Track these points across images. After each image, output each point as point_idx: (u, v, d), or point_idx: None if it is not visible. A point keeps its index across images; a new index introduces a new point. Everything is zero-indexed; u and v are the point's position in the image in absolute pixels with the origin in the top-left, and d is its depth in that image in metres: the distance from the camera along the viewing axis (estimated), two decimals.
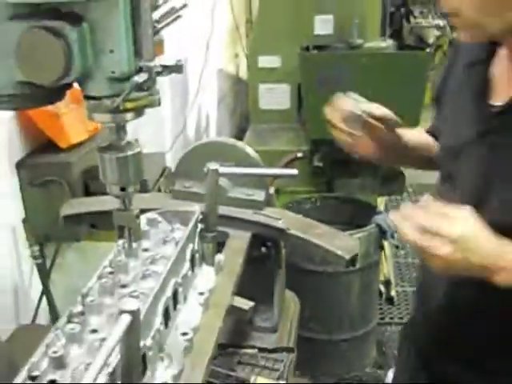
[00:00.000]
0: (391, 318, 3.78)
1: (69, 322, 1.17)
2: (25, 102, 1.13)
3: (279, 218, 1.77)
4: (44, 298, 2.54)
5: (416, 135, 1.88)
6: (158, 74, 1.14)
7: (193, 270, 1.43)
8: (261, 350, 1.76)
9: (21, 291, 2.52)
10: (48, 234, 2.53)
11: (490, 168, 1.39)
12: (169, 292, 1.26)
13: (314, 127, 3.35)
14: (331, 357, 3.28)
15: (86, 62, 1.08)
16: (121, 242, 1.35)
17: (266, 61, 3.77)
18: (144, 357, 1.09)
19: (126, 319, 0.92)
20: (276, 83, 3.84)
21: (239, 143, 1.87)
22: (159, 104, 1.16)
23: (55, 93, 1.15)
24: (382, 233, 3.18)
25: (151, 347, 1.12)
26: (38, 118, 2.43)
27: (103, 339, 1.10)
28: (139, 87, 1.11)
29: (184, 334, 1.25)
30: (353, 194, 3.51)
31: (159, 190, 2.70)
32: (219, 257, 1.54)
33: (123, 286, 1.28)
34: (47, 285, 2.53)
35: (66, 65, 1.05)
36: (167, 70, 1.15)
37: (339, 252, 1.66)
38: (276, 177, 1.99)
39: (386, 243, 3.33)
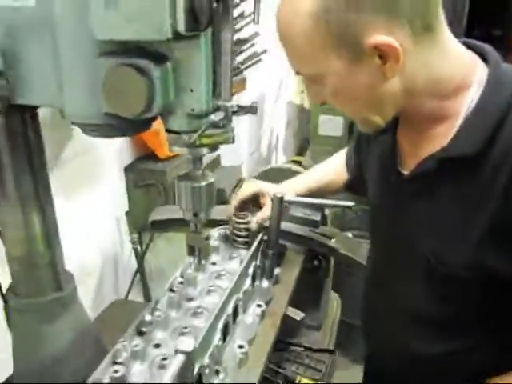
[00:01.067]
0: None
1: (138, 333, 0.94)
2: (111, 131, 0.90)
3: (332, 236, 1.51)
4: (138, 276, 2.36)
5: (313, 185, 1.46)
6: (234, 113, 0.90)
7: (253, 285, 1.18)
8: (306, 348, 1.50)
9: (120, 270, 2.36)
10: (145, 224, 2.35)
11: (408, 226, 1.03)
12: (230, 309, 1.02)
13: None
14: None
15: (167, 99, 0.84)
16: (191, 258, 1.12)
17: None
18: (200, 376, 0.85)
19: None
20: (333, 115, 3.57)
21: (295, 167, 1.61)
22: (233, 141, 0.91)
23: (140, 124, 0.92)
24: None
25: (208, 365, 0.87)
26: (143, 132, 2.26)
27: (164, 356, 0.87)
28: (215, 125, 0.87)
29: (240, 346, 1.01)
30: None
31: None
32: (277, 270, 1.29)
33: (190, 300, 1.04)
34: (142, 265, 2.35)
35: (149, 100, 0.82)
36: (242, 110, 0.90)
37: None
38: (333, 207, 1.71)
39: None
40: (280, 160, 4.97)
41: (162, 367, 0.83)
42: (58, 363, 1.06)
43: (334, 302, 1.86)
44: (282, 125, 5.05)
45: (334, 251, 1.47)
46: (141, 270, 2.31)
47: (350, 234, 1.67)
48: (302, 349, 1.50)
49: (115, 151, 2.28)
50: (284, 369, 1.39)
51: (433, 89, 0.91)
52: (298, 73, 0.98)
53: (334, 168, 1.51)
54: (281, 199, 1.17)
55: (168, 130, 0.90)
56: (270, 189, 1.36)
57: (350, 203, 1.20)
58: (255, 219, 1.26)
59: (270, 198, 1.32)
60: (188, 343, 0.69)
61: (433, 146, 0.94)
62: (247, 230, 1.24)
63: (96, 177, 2.18)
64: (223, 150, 0.88)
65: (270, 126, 4.39)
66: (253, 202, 1.34)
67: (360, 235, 2.62)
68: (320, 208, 1.55)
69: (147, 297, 2.36)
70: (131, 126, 0.90)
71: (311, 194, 1.44)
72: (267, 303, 1.19)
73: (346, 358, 2.80)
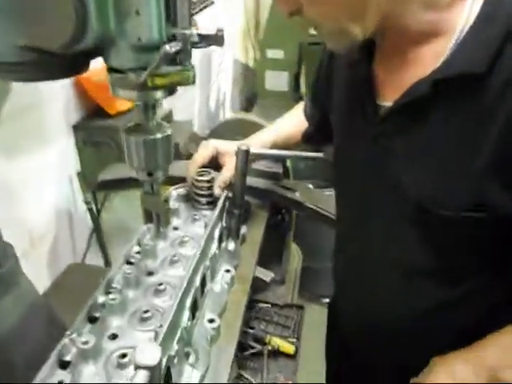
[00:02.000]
0: None
1: (90, 321, 0.68)
2: (34, 73, 0.61)
3: (294, 189, 1.29)
4: (94, 236, 2.07)
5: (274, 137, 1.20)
6: (194, 45, 0.63)
7: (219, 248, 0.95)
8: (273, 305, 1.30)
9: (76, 231, 2.06)
10: (98, 183, 2.05)
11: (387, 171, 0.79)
12: (197, 281, 0.78)
13: None
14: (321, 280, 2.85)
15: (105, 24, 0.56)
16: (147, 226, 0.87)
17: (273, 53, 3.22)
18: (168, 369, 0.61)
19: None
20: (279, 70, 3.29)
21: (260, 120, 1.36)
22: (194, 81, 0.64)
23: (73, 62, 0.64)
24: None
25: (176, 354, 0.64)
26: (89, 88, 1.94)
27: (123, 352, 0.63)
28: (171, 60, 0.60)
29: (211, 320, 0.78)
30: None
31: (189, 155, 2.20)
32: (243, 229, 1.06)
33: (150, 274, 0.79)
34: (98, 225, 2.06)
35: (79, 25, 0.54)
36: (206, 40, 0.62)
37: None
38: (303, 159, 1.48)
39: None
40: (227, 116, 4.67)
41: (121, 367, 0.59)
42: (5, 349, 0.81)
43: (294, 253, 1.66)
44: (229, 81, 4.71)
45: (299, 205, 1.25)
46: (97, 230, 2.02)
47: (310, 185, 1.45)
48: (269, 305, 1.30)
49: (61, 109, 1.93)
50: (252, 328, 1.19)
51: None
52: None
53: (293, 121, 1.26)
54: (246, 152, 0.93)
55: (110, 69, 0.63)
56: (228, 147, 1.11)
57: (320, 154, 0.97)
58: (217, 183, 1.01)
59: (228, 157, 1.07)
60: (152, 354, 0.46)
61: (421, 70, 0.70)
62: (210, 188, 0.99)
63: (43, 136, 1.84)
64: (176, 103, 0.65)
65: (217, 83, 4.06)
66: (211, 164, 1.08)
67: (320, 185, 2.43)
68: (281, 160, 1.32)
69: (106, 258, 2.09)
70: (60, 65, 0.62)
71: (276, 148, 1.20)
72: (235, 267, 0.97)
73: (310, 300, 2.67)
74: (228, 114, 4.71)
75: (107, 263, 2.08)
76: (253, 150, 0.94)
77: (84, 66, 0.66)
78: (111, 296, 0.68)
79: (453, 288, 0.79)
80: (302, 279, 1.73)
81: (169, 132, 0.70)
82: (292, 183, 1.34)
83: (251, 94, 4.94)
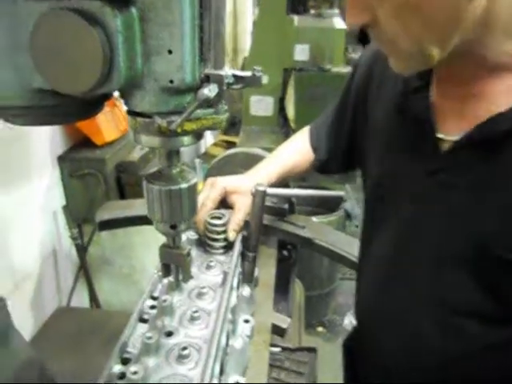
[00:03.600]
0: (343, 274, 3.28)
1: None
2: (44, 117, 0.53)
3: (303, 225, 1.22)
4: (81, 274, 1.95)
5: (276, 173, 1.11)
6: (229, 86, 0.56)
7: (237, 296, 0.87)
8: (284, 349, 1.22)
9: (62, 268, 1.94)
10: (85, 217, 1.95)
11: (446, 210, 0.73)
12: (223, 341, 0.70)
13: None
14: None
15: (133, 65, 0.49)
16: (159, 273, 0.79)
17: None
18: None
19: None
20: (263, 95, 3.25)
21: (264, 153, 1.30)
22: (226, 125, 0.58)
23: (90, 105, 0.56)
24: (348, 216, 2.66)
25: None
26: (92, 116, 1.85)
27: None
28: (204, 103, 0.53)
29: None
30: (321, 184, 2.95)
31: None
32: (256, 272, 0.98)
33: (169, 335, 0.70)
34: (84, 261, 1.95)
35: (106, 67, 0.47)
36: (242, 81, 0.56)
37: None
38: (323, 199, 1.41)
39: (347, 223, 2.80)
40: (209, 140, 4.60)
41: None
42: None
43: (296, 288, 1.59)
44: None
45: (308, 241, 1.18)
46: (84, 267, 1.91)
47: (314, 219, 1.38)
48: (280, 349, 1.21)
49: (46, 139, 1.83)
50: None
51: None
52: None
53: (297, 149, 1.20)
54: (264, 193, 0.86)
55: (131, 112, 0.56)
56: (237, 185, 1.03)
57: (341, 193, 0.91)
58: (231, 227, 0.92)
59: (238, 195, 1.00)
60: None
61: (492, 104, 0.65)
62: (224, 232, 0.91)
63: (26, 168, 1.74)
64: None
65: None
66: (220, 204, 1.00)
67: (316, 212, 2.38)
68: (289, 196, 1.26)
69: (93, 298, 1.96)
70: (76, 108, 0.54)
71: (281, 180, 1.14)
72: (252, 314, 0.89)
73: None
74: (209, 138, 4.65)
75: (95, 303, 1.97)
76: (270, 191, 0.88)
77: (100, 107, 0.59)
78: (133, 368, 0.59)
79: (502, 329, 0.73)
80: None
81: (194, 180, 0.62)
82: (299, 218, 1.28)
83: (233, 118, 4.91)
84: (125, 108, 0.57)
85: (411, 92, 0.78)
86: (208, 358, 0.62)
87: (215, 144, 4.44)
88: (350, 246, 1.21)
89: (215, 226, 0.90)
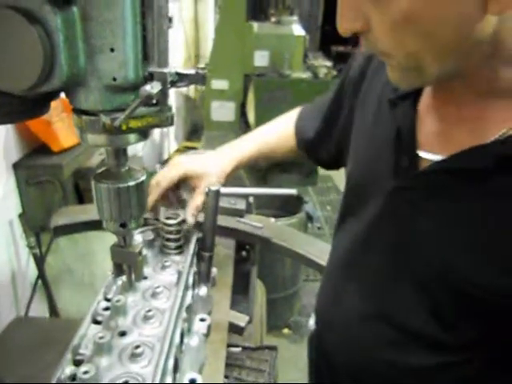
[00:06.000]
0: (307, 276, 3.32)
1: None
2: None
3: (261, 225, 1.24)
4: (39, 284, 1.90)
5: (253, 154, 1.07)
6: (173, 84, 0.57)
7: (192, 296, 0.87)
8: (244, 348, 1.22)
9: (19, 279, 1.88)
10: (43, 225, 1.90)
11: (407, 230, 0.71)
12: (177, 338, 0.70)
13: None
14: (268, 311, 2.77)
15: (75, 63, 0.49)
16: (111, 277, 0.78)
17: (218, 84, 3.20)
18: None
19: None
20: (225, 101, 3.27)
21: None
22: (172, 123, 0.59)
23: (34, 104, 0.56)
24: (309, 218, 2.70)
25: None
26: (32, 123, 1.82)
27: None
28: (147, 101, 0.54)
29: (192, 381, 0.70)
30: (282, 186, 2.98)
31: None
32: (214, 272, 0.98)
33: (123, 334, 0.70)
34: (43, 270, 1.89)
35: (47, 65, 0.47)
36: (185, 79, 0.57)
37: (319, 261, 1.15)
38: (274, 196, 1.43)
39: (309, 225, 2.84)
40: (172, 146, 4.58)
41: None
42: None
43: (258, 289, 1.60)
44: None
45: (267, 242, 1.20)
46: (42, 276, 1.86)
47: (272, 219, 1.40)
48: (240, 349, 1.22)
49: (0, 145, 1.78)
50: (226, 377, 1.10)
51: None
52: None
53: (279, 129, 1.13)
54: (217, 192, 0.87)
55: (76, 111, 0.56)
56: (200, 168, 0.98)
57: (293, 191, 0.93)
58: (189, 211, 0.92)
59: (201, 180, 0.97)
60: None
61: (483, 131, 0.61)
62: (179, 231, 0.91)
63: None
64: None
65: None
66: (181, 187, 0.98)
67: (276, 215, 2.40)
68: (245, 196, 1.27)
69: (52, 308, 1.91)
70: (19, 108, 0.54)
71: (260, 161, 1.11)
72: (209, 313, 0.89)
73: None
74: (172, 144, 4.63)
75: (54, 313, 1.92)
76: (224, 190, 0.89)
77: (45, 107, 0.59)
78: (83, 368, 0.59)
79: (451, 356, 0.72)
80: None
81: (142, 178, 0.63)
82: (256, 218, 1.30)
83: (197, 123, 4.91)
84: None
85: (399, 98, 0.73)
86: (160, 355, 0.63)
87: (178, 150, 4.43)
88: (309, 245, 1.23)
89: (170, 226, 0.91)
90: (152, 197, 0.95)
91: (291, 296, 2.83)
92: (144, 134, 0.59)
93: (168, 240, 0.91)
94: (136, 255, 0.67)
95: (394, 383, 0.78)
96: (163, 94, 0.55)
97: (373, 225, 0.78)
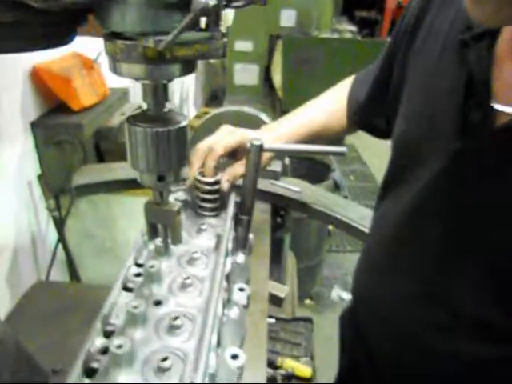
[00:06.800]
0: (330, 246, 3.24)
1: (87, 375, 0.51)
2: (6, 40, 0.43)
3: (299, 189, 1.14)
4: (59, 247, 1.84)
5: (300, 132, 0.96)
6: (228, 3, 0.47)
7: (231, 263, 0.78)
8: (278, 319, 1.15)
9: (39, 243, 1.82)
10: (63, 187, 1.83)
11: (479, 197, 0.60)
12: (219, 310, 0.62)
13: (287, 100, 2.70)
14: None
15: None
16: (144, 236, 0.70)
17: (241, 45, 3.05)
18: None
19: None
20: (248, 63, 3.13)
21: (256, 112, 1.21)
22: (224, 54, 0.48)
23: (57, 30, 0.46)
24: (336, 187, 2.59)
25: None
26: (50, 80, 1.71)
27: None
28: (195, 24, 0.43)
29: (233, 357, 0.62)
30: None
31: None
32: (251, 238, 0.89)
33: (158, 303, 0.62)
34: (63, 234, 1.83)
35: None
36: None
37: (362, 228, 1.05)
38: (324, 154, 1.33)
39: (336, 194, 2.73)
40: (191, 112, 4.48)
41: None
42: None
43: (288, 259, 1.52)
44: (191, 77, 4.52)
45: (305, 207, 1.10)
46: (63, 240, 1.80)
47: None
48: (274, 320, 1.15)
49: (17, 104, 1.69)
50: None
51: None
52: None
53: (329, 106, 1.01)
54: (259, 148, 0.77)
55: (107, 35, 0.46)
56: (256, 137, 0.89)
57: (344, 148, 0.83)
58: (225, 177, 0.84)
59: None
60: None
61: None
62: (216, 191, 0.82)
63: None
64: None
65: (180, 78, 3.88)
66: (228, 156, 0.88)
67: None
68: (281, 157, 1.17)
69: (73, 272, 1.86)
70: (39, 30, 0.44)
71: (304, 142, 0.97)
72: (247, 282, 0.81)
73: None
74: (192, 110, 4.52)
75: (76, 278, 1.87)
76: (267, 146, 0.78)
77: (70, 34, 0.49)
78: (117, 341, 0.51)
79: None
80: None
81: (184, 123, 0.53)
82: (293, 182, 1.20)
83: (216, 89, 4.77)
84: (105, 68, 0.47)
85: (472, 39, 0.61)
86: (204, 328, 0.54)
87: (197, 116, 4.32)
88: (350, 210, 1.13)
89: (206, 184, 0.81)
90: (209, 163, 0.84)
91: (314, 267, 2.76)
92: (190, 66, 0.49)
93: (204, 200, 0.82)
94: (174, 214, 0.58)
95: (440, 375, 0.68)
96: (216, 17, 0.45)
97: (430, 192, 0.66)
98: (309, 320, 1.15)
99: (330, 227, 3.23)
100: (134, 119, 0.51)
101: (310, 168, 2.75)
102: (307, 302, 2.82)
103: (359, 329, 0.87)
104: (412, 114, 0.74)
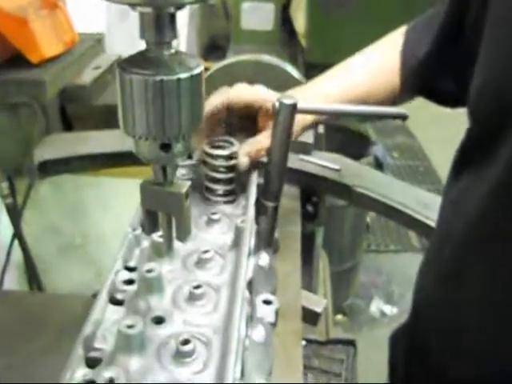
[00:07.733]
0: (368, 246, 3.23)
1: None
2: None
3: (337, 167, 1.11)
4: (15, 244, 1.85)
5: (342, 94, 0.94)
6: None
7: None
8: (309, 341, 1.13)
9: None
10: (19, 166, 1.83)
11: None
12: (242, 330, 0.59)
13: (314, 51, 2.65)
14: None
15: None
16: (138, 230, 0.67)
17: None
18: None
19: None
20: (260, 1, 3.09)
21: (281, 63, 1.17)
22: None
23: None
24: (378, 165, 2.55)
25: None
26: (3, 24, 1.69)
27: None
28: None
29: None
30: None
31: None
32: (276, 232, 0.87)
33: (159, 322, 0.59)
34: (19, 228, 1.83)
35: None
36: None
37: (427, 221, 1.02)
38: (380, 117, 1.30)
39: None
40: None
41: None
42: None
43: (319, 260, 1.51)
44: (183, 20, 4.48)
45: (346, 190, 1.07)
46: (19, 236, 1.80)
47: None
48: (304, 343, 1.12)
49: None
50: None
51: None
52: None
53: (377, 66, 1.01)
54: (293, 108, 0.73)
55: None
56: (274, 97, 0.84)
57: (403, 110, 0.79)
58: (244, 150, 0.81)
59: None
60: None
61: None
62: (231, 168, 0.79)
63: None
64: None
65: None
66: (243, 121, 0.87)
67: None
68: (314, 126, 1.14)
69: (33, 279, 1.87)
70: None
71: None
72: (273, 292, 0.78)
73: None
74: None
75: (36, 285, 1.87)
76: (303, 106, 0.75)
77: None
78: (106, 374, 0.48)
79: None
80: None
81: (199, 69, 0.49)
82: (329, 157, 1.17)
83: (216, 36, 4.73)
84: (72, 7, 0.43)
85: None
86: (226, 356, 0.51)
87: None
88: (407, 195, 1.10)
89: (218, 158, 0.78)
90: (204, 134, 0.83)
91: (348, 271, 2.76)
92: None
93: (214, 181, 0.79)
94: (182, 197, 0.55)
95: None
96: None
97: None
98: (351, 343, 1.12)
99: (369, 219, 3.23)
100: (128, 64, 0.48)
101: (344, 141, 2.71)
102: (338, 317, 2.83)
103: (423, 356, 0.85)
104: (496, 67, 0.71)
